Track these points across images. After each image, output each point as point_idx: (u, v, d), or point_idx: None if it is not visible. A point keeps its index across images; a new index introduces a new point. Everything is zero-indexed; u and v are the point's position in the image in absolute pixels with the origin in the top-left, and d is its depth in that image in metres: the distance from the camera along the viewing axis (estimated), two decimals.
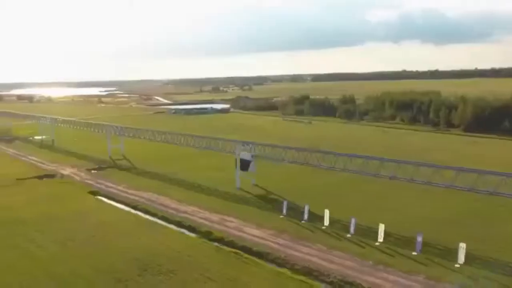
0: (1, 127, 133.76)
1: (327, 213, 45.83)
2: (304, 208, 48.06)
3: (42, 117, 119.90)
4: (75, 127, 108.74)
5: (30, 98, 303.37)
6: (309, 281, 34.48)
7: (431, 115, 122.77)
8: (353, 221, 43.55)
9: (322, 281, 34.55)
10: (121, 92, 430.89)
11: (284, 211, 49.70)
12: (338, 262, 37.25)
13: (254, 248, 40.45)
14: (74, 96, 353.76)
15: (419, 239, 38.86)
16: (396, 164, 48.77)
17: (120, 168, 78.75)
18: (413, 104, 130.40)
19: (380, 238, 41.22)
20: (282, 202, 51.66)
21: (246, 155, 61.18)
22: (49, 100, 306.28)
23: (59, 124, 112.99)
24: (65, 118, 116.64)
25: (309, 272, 35.78)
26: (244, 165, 61.18)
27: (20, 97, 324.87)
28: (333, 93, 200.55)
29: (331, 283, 34.19)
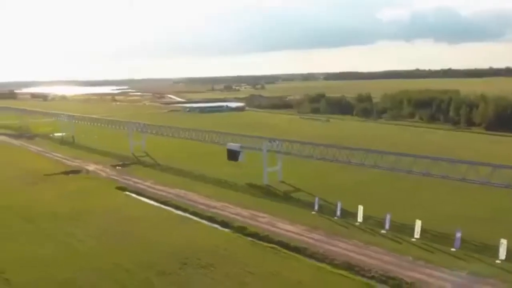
0: (20, 124, 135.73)
1: (361, 209, 45.80)
2: (336, 204, 48.04)
3: (61, 114, 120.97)
4: (94, 124, 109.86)
5: (44, 96, 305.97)
6: (351, 275, 34.54)
7: (451, 113, 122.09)
8: (388, 217, 43.53)
9: (363, 276, 34.56)
10: (133, 91, 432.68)
11: (316, 207, 49.75)
12: (377, 258, 37.23)
13: (291, 243, 40.53)
14: (86, 94, 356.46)
15: (458, 235, 38.69)
16: (429, 161, 48.71)
17: (144, 164, 79.25)
18: (432, 102, 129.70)
19: (417, 234, 41.06)
20: (312, 199, 52.14)
21: (235, 146, 65.38)
22: (63, 98, 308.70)
23: (77, 121, 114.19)
24: (86, 115, 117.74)
25: (350, 267, 35.78)
26: (233, 155, 65.47)
27: (34, 95, 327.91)
28: (347, 91, 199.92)
29: (372, 278, 34.18)
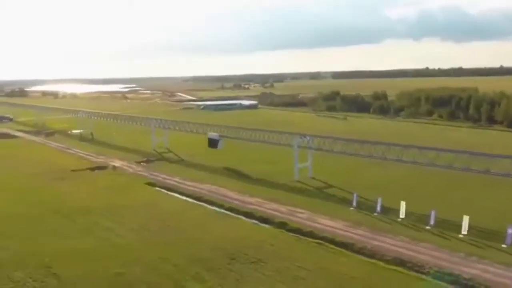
0: (36, 121, 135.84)
1: (403, 205, 45.10)
2: (376, 200, 47.33)
3: (80, 111, 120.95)
4: (111, 120, 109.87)
5: (55, 94, 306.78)
6: (405, 271, 33.86)
7: (471, 111, 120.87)
8: (433, 213, 42.76)
9: (418, 271, 33.85)
10: (142, 89, 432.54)
11: (354, 203, 49.06)
12: (427, 254, 36.51)
13: (337, 239, 39.87)
14: (96, 92, 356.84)
15: (510, 231, 37.92)
16: (468, 156, 47.99)
17: (169, 160, 78.85)
18: (451, 100, 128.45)
19: (464, 230, 40.30)
20: (346, 194, 52.27)
21: (214, 135, 73.00)
22: (74, 96, 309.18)
23: (98, 118, 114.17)
24: (105, 112, 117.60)
25: (402, 263, 35.09)
26: (213, 143, 72.83)
27: (44, 93, 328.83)
28: (358, 90, 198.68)
29: (427, 273, 33.46)
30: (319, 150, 61.59)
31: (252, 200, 52.65)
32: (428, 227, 42.23)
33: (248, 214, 48.01)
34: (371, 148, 55.51)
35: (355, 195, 49.66)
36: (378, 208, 46.78)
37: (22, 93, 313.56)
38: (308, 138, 62.83)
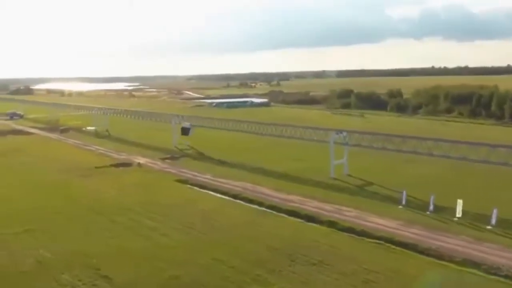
0: (49, 118, 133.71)
1: (460, 203, 42.74)
2: (430, 198, 45.03)
3: (94, 107, 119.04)
4: (130, 117, 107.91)
5: (61, 92, 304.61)
6: (481, 274, 31.59)
7: (493, 108, 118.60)
8: (495, 211, 40.49)
9: (495, 274, 31.54)
10: (146, 87, 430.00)
11: (403, 201, 46.80)
12: (498, 255, 34.23)
13: (395, 239, 37.61)
14: (102, 90, 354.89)
15: None
16: None
17: (193, 157, 76.68)
18: (471, 97, 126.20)
19: None
20: (389, 192, 50.55)
21: (186, 124, 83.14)
22: (80, 94, 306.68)
23: (110, 114, 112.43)
24: (121, 108, 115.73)
25: (475, 265, 32.79)
26: (185, 131, 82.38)
27: (49, 91, 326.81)
28: (366, 88, 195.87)
29: (506, 276, 31.19)
30: (357, 146, 59.37)
31: (292, 197, 50.39)
32: (489, 227, 39.96)
33: (291, 213, 45.65)
34: (417, 144, 53.23)
35: (404, 193, 47.31)
36: (431, 207, 44.50)
37: (27, 91, 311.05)
38: (344, 134, 60.61)
